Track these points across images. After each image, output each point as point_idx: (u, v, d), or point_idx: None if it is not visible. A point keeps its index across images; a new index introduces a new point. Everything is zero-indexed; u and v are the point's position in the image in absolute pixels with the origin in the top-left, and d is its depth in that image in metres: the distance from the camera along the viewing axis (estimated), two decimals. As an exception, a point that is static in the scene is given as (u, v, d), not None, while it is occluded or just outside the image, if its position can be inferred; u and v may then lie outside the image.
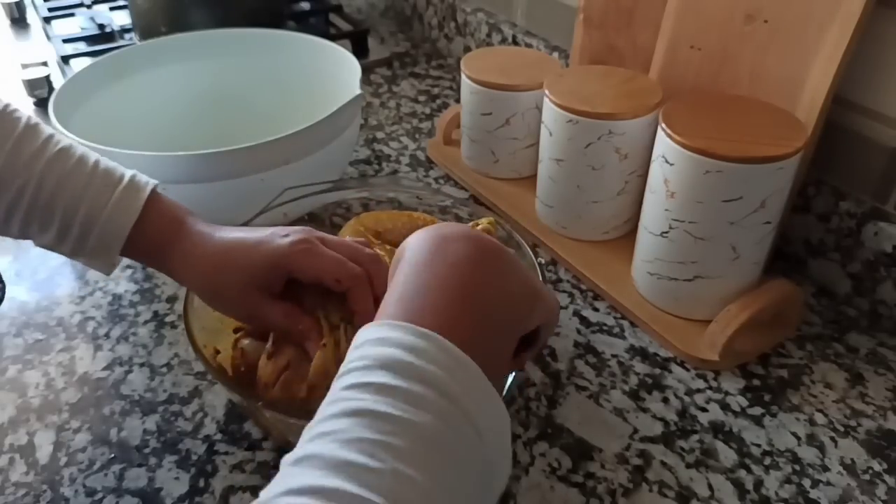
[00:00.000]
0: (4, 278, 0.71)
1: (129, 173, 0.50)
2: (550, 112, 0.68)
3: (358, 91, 0.73)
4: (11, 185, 0.47)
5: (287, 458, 0.26)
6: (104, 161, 0.50)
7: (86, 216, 0.48)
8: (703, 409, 0.56)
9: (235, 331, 0.53)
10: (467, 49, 1.12)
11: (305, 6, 1.27)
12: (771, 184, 0.55)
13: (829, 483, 0.50)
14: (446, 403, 0.27)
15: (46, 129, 0.49)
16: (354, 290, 0.47)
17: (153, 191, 0.50)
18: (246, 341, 0.51)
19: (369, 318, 0.37)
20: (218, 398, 0.57)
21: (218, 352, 0.52)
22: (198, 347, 0.48)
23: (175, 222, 0.50)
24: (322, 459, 0.25)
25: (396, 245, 0.57)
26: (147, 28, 1.03)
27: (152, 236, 0.50)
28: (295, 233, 0.47)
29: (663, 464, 0.52)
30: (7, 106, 0.49)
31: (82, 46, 1.11)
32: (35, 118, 0.50)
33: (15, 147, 0.47)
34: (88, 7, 1.26)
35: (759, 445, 0.53)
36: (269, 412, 0.48)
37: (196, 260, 0.49)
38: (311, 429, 0.27)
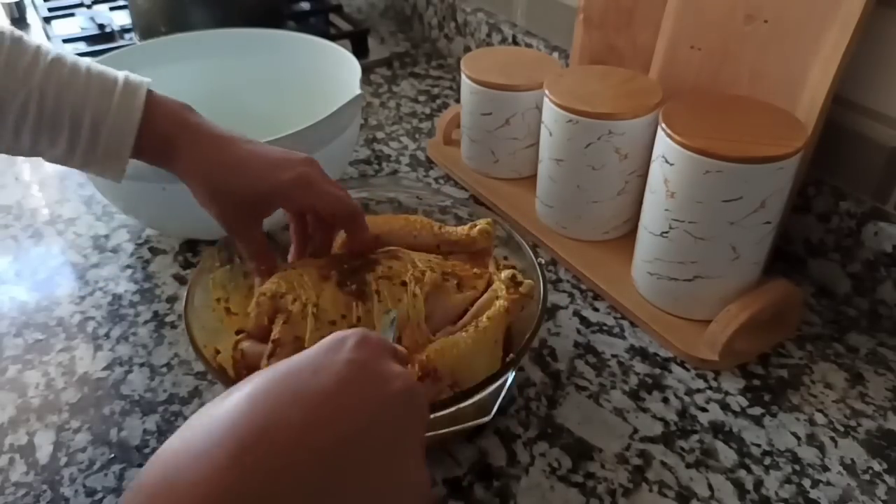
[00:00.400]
0: (4, 278, 0.71)
1: (121, 75, 0.50)
2: (550, 112, 0.68)
3: (358, 91, 0.73)
4: (14, 100, 0.47)
5: None
6: (94, 65, 0.50)
7: (92, 122, 0.48)
8: (703, 409, 0.56)
9: (237, 332, 0.53)
10: (467, 49, 1.12)
11: (305, 6, 1.27)
12: (771, 184, 0.55)
13: (829, 483, 0.50)
14: None
15: (32, 40, 0.49)
16: (346, 225, 0.52)
17: (149, 90, 0.50)
18: (246, 343, 0.51)
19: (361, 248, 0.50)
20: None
21: (218, 352, 0.51)
22: (198, 347, 0.48)
23: (178, 119, 0.51)
24: None
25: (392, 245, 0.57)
26: (147, 28, 1.03)
27: (158, 135, 0.50)
28: (299, 165, 0.50)
29: (663, 464, 0.52)
30: None
31: (82, 46, 1.11)
32: (18, 31, 0.49)
33: (7, 62, 0.47)
34: (88, 7, 1.26)
35: (759, 445, 0.53)
36: None
37: (204, 164, 0.50)
38: None
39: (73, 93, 0.48)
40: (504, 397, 0.51)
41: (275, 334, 0.48)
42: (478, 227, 0.58)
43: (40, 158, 0.51)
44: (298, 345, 0.48)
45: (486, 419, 0.49)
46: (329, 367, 0.29)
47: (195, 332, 0.49)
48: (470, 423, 0.49)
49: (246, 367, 0.50)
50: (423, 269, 0.52)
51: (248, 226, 0.51)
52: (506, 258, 0.60)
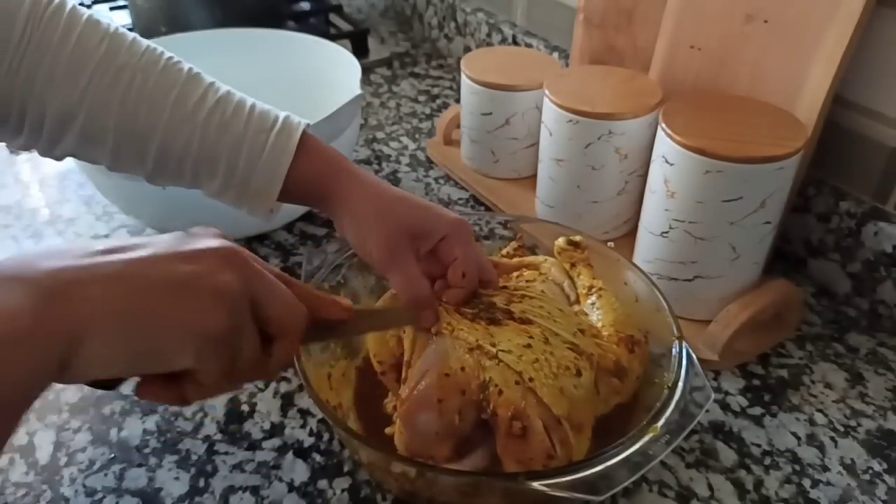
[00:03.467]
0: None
1: (282, 115, 0.51)
2: (550, 112, 0.68)
3: (358, 91, 0.73)
4: (179, 135, 0.48)
5: None
6: (259, 105, 0.51)
7: (246, 161, 0.49)
8: (699, 389, 0.56)
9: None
10: (467, 49, 1.12)
11: (305, 6, 1.27)
12: (771, 184, 0.55)
13: (829, 483, 0.50)
14: None
15: (207, 78, 0.51)
16: (464, 295, 0.49)
17: (304, 132, 0.51)
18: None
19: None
20: (218, 398, 0.57)
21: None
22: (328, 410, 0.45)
23: (332, 162, 0.51)
24: None
25: None
26: (147, 28, 1.03)
27: (310, 177, 0.51)
28: (455, 215, 0.50)
29: (663, 464, 0.52)
30: (171, 58, 0.50)
31: (82, 46, 1.11)
32: (196, 68, 0.51)
33: (178, 98, 0.48)
34: (88, 7, 1.26)
35: (759, 445, 0.53)
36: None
37: (362, 200, 0.49)
38: None
39: (232, 132, 0.49)
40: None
41: (506, 409, 0.42)
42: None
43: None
44: (531, 398, 0.43)
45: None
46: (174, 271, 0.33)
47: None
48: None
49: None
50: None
51: (406, 259, 0.48)
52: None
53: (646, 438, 0.41)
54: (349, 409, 0.52)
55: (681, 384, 0.45)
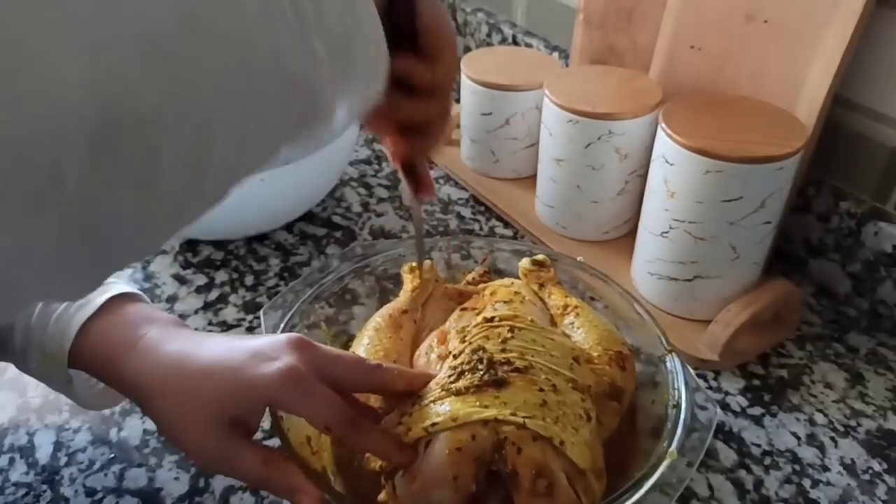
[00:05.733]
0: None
1: (111, 280, 0.44)
2: (550, 112, 0.68)
3: (358, 91, 0.72)
4: None
5: None
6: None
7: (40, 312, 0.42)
8: (703, 409, 0.56)
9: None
10: (467, 49, 1.12)
11: (305, 6, 1.26)
12: (771, 184, 0.55)
13: (829, 483, 0.50)
14: None
15: None
16: (348, 439, 0.40)
17: (122, 295, 0.44)
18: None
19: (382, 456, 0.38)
20: (218, 398, 0.57)
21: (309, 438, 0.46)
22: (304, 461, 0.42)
23: (126, 329, 0.42)
24: None
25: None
26: (147, 28, 1.03)
27: (101, 341, 0.42)
28: (285, 353, 0.39)
29: (663, 464, 0.52)
30: None
31: (82, 46, 1.11)
32: None
33: None
34: (88, 7, 1.26)
35: (759, 445, 0.53)
36: None
37: (159, 379, 0.39)
38: None
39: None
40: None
41: (529, 467, 0.39)
42: (427, 267, 0.56)
43: None
44: (551, 453, 0.40)
45: None
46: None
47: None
48: None
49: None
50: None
51: (233, 447, 0.38)
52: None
53: (665, 464, 0.40)
54: (333, 473, 0.47)
55: (685, 402, 0.44)
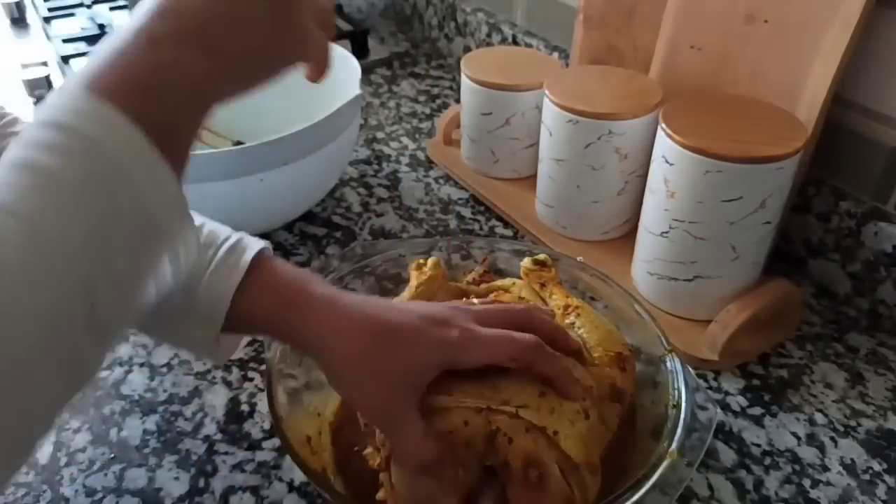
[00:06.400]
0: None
1: (235, 234, 0.44)
2: (550, 112, 0.68)
3: (358, 91, 0.73)
4: None
5: None
6: (210, 223, 0.45)
7: (187, 282, 0.40)
8: (703, 409, 0.56)
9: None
10: (467, 49, 1.12)
11: (305, 6, 1.27)
12: (771, 184, 0.55)
13: (829, 483, 0.50)
14: (92, 154, 0.29)
15: None
16: (536, 363, 0.41)
17: (263, 253, 0.44)
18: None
19: (565, 382, 0.41)
20: (218, 398, 0.57)
21: (309, 438, 0.46)
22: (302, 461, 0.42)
23: (294, 285, 0.43)
24: None
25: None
26: (147, 28, 1.03)
27: (268, 303, 0.42)
28: (451, 317, 0.41)
29: (663, 464, 0.52)
30: None
31: (82, 46, 1.11)
32: None
33: None
34: (88, 7, 1.26)
35: (759, 445, 0.53)
36: None
37: (345, 334, 0.41)
38: None
39: None
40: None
41: (519, 457, 0.40)
42: (429, 263, 0.55)
43: None
44: (543, 443, 0.40)
45: None
46: None
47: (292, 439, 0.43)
48: None
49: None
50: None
51: (407, 408, 0.40)
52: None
53: (665, 464, 0.40)
54: (333, 473, 0.47)
55: (685, 402, 0.44)
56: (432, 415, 0.41)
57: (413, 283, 0.56)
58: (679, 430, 0.42)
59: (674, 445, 0.41)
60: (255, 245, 0.44)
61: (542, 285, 0.55)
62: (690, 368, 0.46)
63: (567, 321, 0.51)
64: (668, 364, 0.47)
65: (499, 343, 0.41)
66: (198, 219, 0.44)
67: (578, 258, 0.57)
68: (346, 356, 0.40)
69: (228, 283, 0.41)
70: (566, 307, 0.52)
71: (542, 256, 0.56)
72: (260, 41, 0.34)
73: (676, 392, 0.44)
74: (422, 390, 0.41)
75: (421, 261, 0.57)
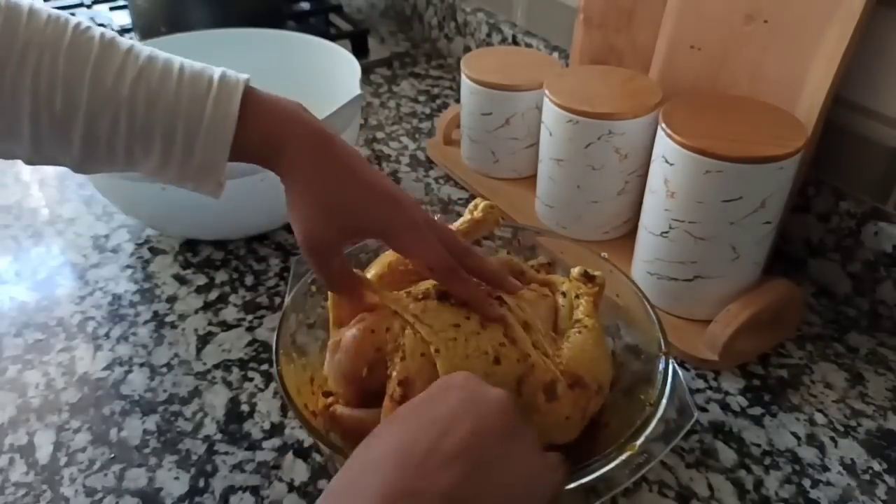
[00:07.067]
0: (4, 278, 0.71)
1: (216, 74, 0.46)
2: (550, 112, 0.68)
3: (358, 91, 0.73)
4: (103, 116, 0.43)
5: None
6: (189, 66, 0.46)
7: (185, 134, 0.44)
8: (703, 409, 0.56)
9: (325, 394, 0.49)
10: (467, 49, 1.12)
11: (305, 6, 1.27)
12: (771, 184, 0.55)
13: (829, 483, 0.50)
14: None
15: (122, 44, 0.45)
16: (450, 281, 0.46)
17: (248, 87, 0.46)
18: (341, 408, 0.46)
19: (478, 306, 0.45)
20: (218, 398, 0.57)
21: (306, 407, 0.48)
22: (297, 407, 0.44)
23: (282, 120, 0.46)
24: None
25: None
26: (147, 28, 1.03)
27: (257, 139, 0.46)
28: (413, 207, 0.46)
29: (663, 464, 0.52)
30: (78, 25, 0.44)
31: (82, 46, 1.11)
32: (110, 32, 0.45)
33: (95, 74, 0.43)
34: (88, 7, 1.26)
35: (759, 445, 0.53)
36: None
37: (298, 176, 0.46)
38: None
39: (163, 103, 0.44)
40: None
41: (399, 374, 0.43)
42: (479, 209, 0.56)
43: None
44: (428, 373, 0.43)
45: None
46: (447, 398, 0.36)
47: (291, 389, 0.45)
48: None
49: (342, 432, 0.46)
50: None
51: (338, 250, 0.46)
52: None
53: (623, 457, 0.41)
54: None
55: (664, 402, 0.44)
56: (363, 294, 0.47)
57: (465, 216, 0.56)
58: (649, 428, 0.42)
59: (639, 441, 0.42)
60: (237, 86, 0.46)
61: (577, 296, 0.52)
62: (681, 371, 0.46)
63: (567, 333, 0.50)
64: (661, 364, 0.47)
65: (428, 247, 0.45)
66: (175, 62, 0.45)
67: (603, 254, 0.56)
68: (290, 190, 0.46)
69: (224, 135, 0.45)
70: (577, 321, 0.50)
71: (596, 273, 0.54)
72: None
73: (658, 392, 0.45)
74: (351, 238, 0.47)
75: (478, 201, 0.57)
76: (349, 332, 0.46)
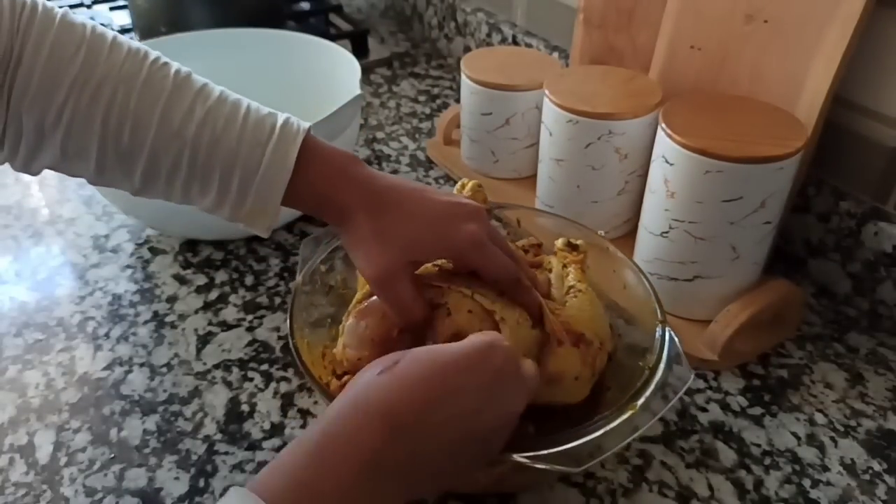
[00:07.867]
0: (4, 278, 0.71)
1: (279, 122, 0.47)
2: (550, 112, 0.68)
3: (358, 91, 0.73)
4: (167, 154, 0.45)
5: None
6: (255, 111, 0.47)
7: (241, 179, 0.46)
8: (703, 409, 0.56)
9: (338, 376, 0.50)
10: (467, 49, 1.12)
11: (305, 6, 1.27)
12: (771, 184, 0.55)
13: (829, 483, 0.50)
14: None
15: (195, 83, 0.47)
16: (510, 292, 0.48)
17: (307, 137, 0.47)
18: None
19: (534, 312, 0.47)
20: (218, 398, 0.57)
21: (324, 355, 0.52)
22: (315, 379, 0.46)
23: (333, 172, 0.47)
24: None
25: None
26: (147, 28, 1.03)
27: (310, 189, 0.47)
28: (474, 220, 0.47)
29: (663, 464, 0.52)
30: (156, 60, 0.46)
31: (82, 46, 1.11)
32: (185, 70, 0.47)
33: (163, 114, 0.45)
34: (88, 7, 1.26)
35: (759, 445, 0.53)
36: None
37: (358, 219, 0.46)
38: None
39: (224, 147, 0.45)
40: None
41: (448, 328, 0.46)
42: (468, 186, 0.58)
43: None
44: (476, 328, 0.46)
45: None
46: (480, 373, 0.38)
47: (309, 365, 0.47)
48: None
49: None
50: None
51: (398, 284, 0.46)
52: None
53: (625, 416, 0.43)
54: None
55: (662, 365, 0.46)
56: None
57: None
58: (650, 390, 0.44)
59: (639, 402, 0.44)
60: (297, 135, 0.47)
61: (564, 266, 0.55)
62: (678, 338, 0.48)
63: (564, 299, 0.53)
64: (658, 333, 0.49)
65: (495, 263, 0.47)
66: (242, 107, 0.47)
67: (600, 231, 0.58)
68: (350, 234, 0.47)
69: (277, 184, 0.46)
70: (570, 288, 0.53)
71: (578, 241, 0.56)
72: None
73: (656, 356, 0.47)
74: (418, 265, 0.48)
75: (465, 180, 0.59)
76: (374, 298, 0.48)
